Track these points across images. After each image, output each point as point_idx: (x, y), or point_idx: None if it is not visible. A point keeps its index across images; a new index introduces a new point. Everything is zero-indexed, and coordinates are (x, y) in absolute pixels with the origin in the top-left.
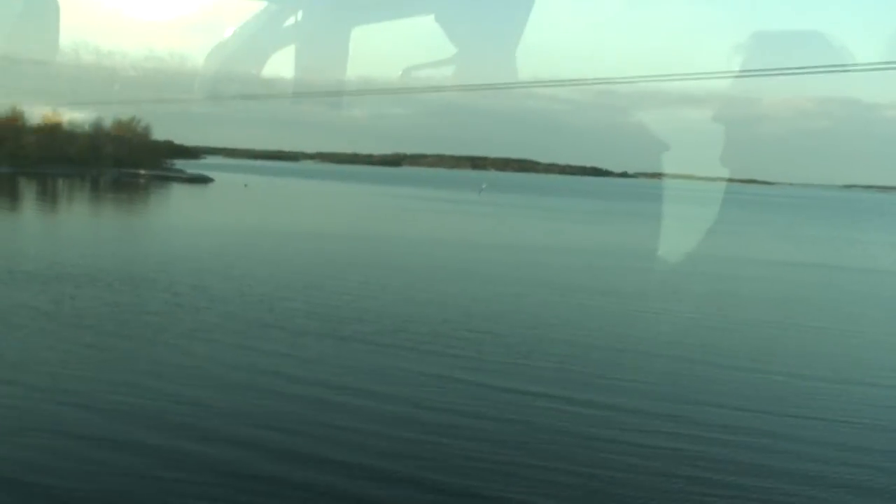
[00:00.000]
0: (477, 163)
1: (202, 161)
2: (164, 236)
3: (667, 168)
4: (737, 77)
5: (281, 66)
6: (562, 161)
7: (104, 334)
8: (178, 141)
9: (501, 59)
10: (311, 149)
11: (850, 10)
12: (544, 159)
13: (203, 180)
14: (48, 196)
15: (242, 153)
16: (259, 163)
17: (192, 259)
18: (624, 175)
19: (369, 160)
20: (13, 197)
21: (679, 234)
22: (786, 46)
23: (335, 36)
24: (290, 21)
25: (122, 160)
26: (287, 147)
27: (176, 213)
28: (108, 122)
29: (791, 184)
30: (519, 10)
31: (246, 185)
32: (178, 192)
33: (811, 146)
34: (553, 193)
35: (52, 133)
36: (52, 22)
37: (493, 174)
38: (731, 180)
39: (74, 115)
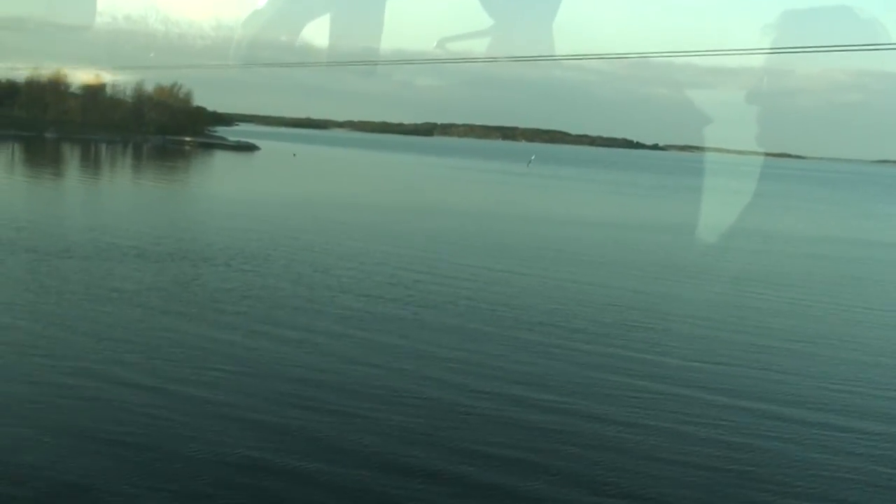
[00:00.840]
0: (507, 133)
1: (235, 128)
2: (250, 209)
3: (698, 141)
4: (769, 54)
5: (314, 34)
6: (592, 132)
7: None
8: (210, 107)
9: (537, 31)
10: (339, 117)
11: None
12: (574, 130)
13: (249, 148)
14: (106, 164)
15: (273, 120)
16: (291, 130)
17: (300, 233)
18: (655, 147)
19: (400, 129)
20: (74, 165)
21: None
22: (815, 22)
23: (371, 4)
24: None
25: (164, 126)
26: (316, 115)
27: (243, 182)
28: (149, 88)
29: (823, 158)
30: None
31: (294, 155)
32: (231, 160)
33: (844, 119)
34: (600, 166)
35: (95, 98)
36: None
37: (525, 145)
38: (763, 154)
39: (113, 79)
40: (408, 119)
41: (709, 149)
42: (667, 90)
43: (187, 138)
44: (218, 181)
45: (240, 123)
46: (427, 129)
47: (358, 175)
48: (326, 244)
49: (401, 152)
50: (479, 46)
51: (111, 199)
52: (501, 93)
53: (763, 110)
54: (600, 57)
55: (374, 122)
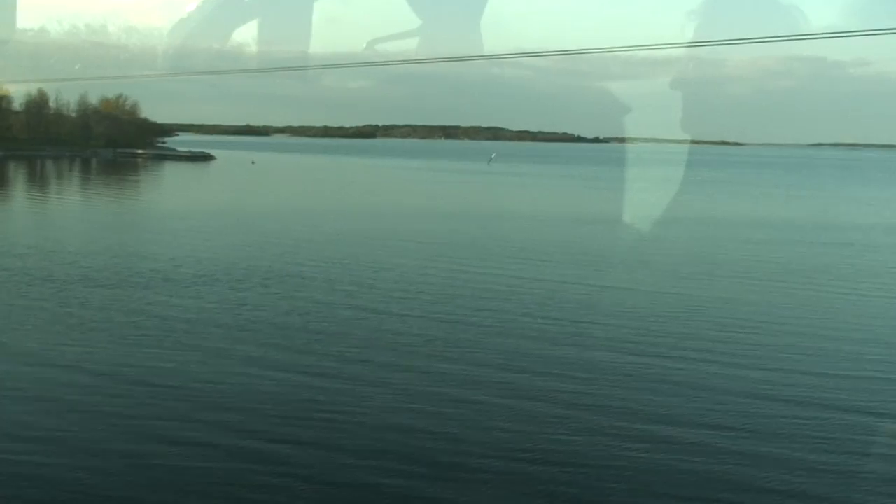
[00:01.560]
0: (449, 132)
1: (176, 138)
2: (244, 221)
3: (636, 132)
4: (690, 47)
5: (244, 40)
6: (533, 128)
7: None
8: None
9: (465, 29)
10: (278, 122)
11: None
12: (514, 126)
13: (205, 158)
14: (64, 180)
15: (213, 129)
16: (233, 138)
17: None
18: (596, 140)
19: (341, 132)
20: (35, 183)
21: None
22: (739, 9)
23: (299, 8)
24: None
25: (113, 139)
26: (255, 121)
27: (217, 193)
28: (93, 100)
29: (760, 144)
30: None
31: (253, 163)
32: (191, 171)
33: (777, 105)
34: (557, 161)
35: (39, 113)
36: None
37: (469, 143)
38: (700, 142)
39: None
40: (348, 122)
41: (647, 139)
42: (603, 83)
43: (139, 151)
44: (190, 193)
45: (179, 133)
46: (369, 132)
47: (328, 180)
48: (356, 257)
49: (355, 156)
50: (410, 46)
51: (91, 217)
52: (439, 92)
53: (697, 99)
54: (528, 55)
55: (315, 127)
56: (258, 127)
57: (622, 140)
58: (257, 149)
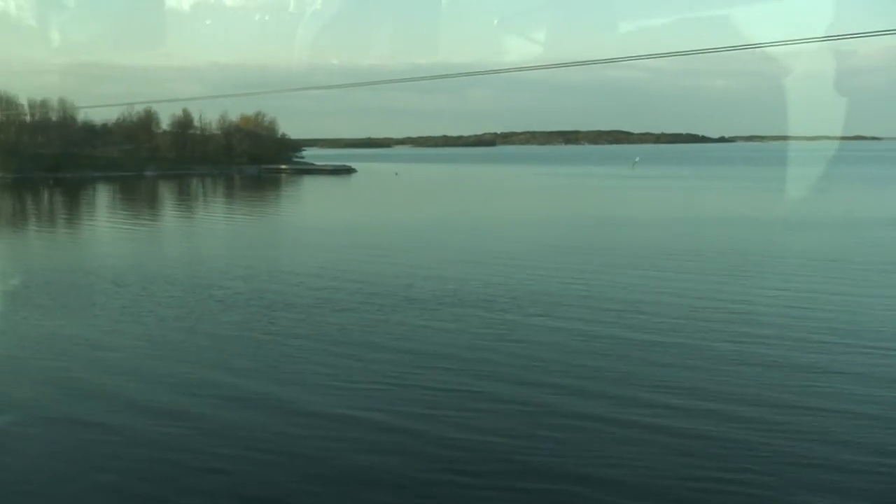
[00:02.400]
0: (569, 137)
1: (305, 152)
2: (424, 235)
3: (764, 130)
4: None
5: (364, 55)
6: (655, 130)
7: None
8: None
9: (590, 35)
10: (397, 134)
11: None
12: (636, 129)
13: (347, 171)
14: (225, 196)
15: (334, 143)
16: (357, 151)
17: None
18: (722, 140)
19: (461, 142)
20: (199, 200)
21: None
22: None
23: (422, 22)
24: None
25: (256, 156)
26: (375, 134)
27: (379, 205)
28: (233, 118)
29: None
30: None
31: (397, 174)
32: (338, 184)
33: None
34: (699, 163)
35: (185, 133)
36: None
37: (590, 147)
38: (834, 138)
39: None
40: (466, 131)
41: (775, 137)
42: (724, 81)
43: (283, 166)
44: (353, 205)
45: (306, 148)
46: (489, 140)
47: (481, 189)
48: (554, 269)
49: (490, 164)
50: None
51: (279, 232)
52: (555, 97)
53: (828, 93)
54: (653, 56)
55: (434, 137)
56: (379, 139)
57: (750, 139)
58: (387, 159)
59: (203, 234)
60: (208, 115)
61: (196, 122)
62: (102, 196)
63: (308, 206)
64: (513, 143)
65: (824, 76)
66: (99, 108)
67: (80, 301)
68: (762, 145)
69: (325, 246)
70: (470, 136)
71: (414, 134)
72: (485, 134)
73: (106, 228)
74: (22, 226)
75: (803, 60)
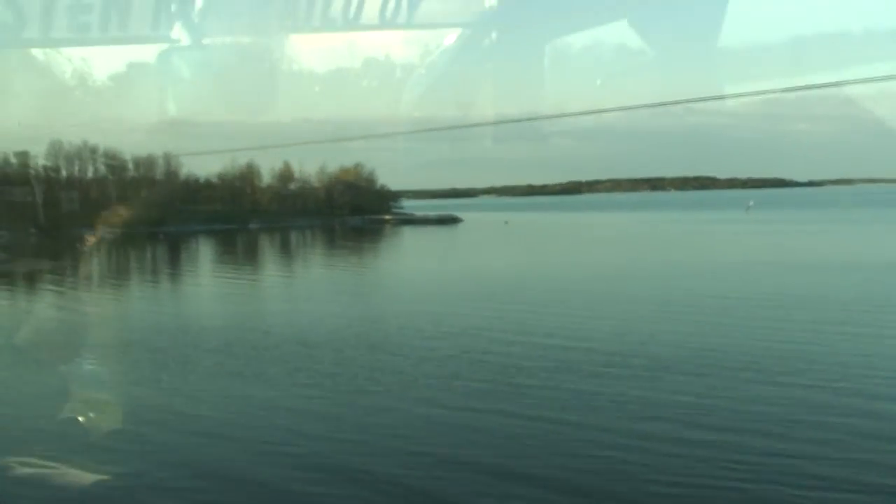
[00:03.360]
0: (655, 184)
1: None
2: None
3: (850, 174)
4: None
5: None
6: (742, 175)
7: None
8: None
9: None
10: (479, 184)
11: None
12: (722, 175)
13: (453, 220)
14: (335, 248)
15: (418, 194)
16: (447, 201)
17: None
18: (811, 184)
19: (545, 190)
20: (310, 252)
21: None
22: None
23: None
24: (486, 42)
25: (357, 207)
26: (458, 185)
27: (504, 255)
28: (330, 169)
29: None
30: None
31: (507, 223)
32: (449, 234)
33: None
34: (806, 207)
35: (286, 186)
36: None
37: (676, 194)
38: None
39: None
40: (550, 180)
41: (866, 180)
42: (807, 125)
43: (387, 216)
44: (475, 255)
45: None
46: (574, 188)
47: (598, 238)
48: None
49: (590, 211)
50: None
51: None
52: (637, 144)
53: None
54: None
55: (519, 186)
56: (462, 189)
57: (838, 182)
58: (474, 209)
59: (353, 288)
60: (308, 168)
61: (297, 175)
62: (212, 249)
63: (442, 255)
64: (597, 191)
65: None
66: (202, 164)
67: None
68: (852, 188)
69: (498, 297)
70: (554, 185)
71: (497, 183)
72: (569, 182)
73: (250, 282)
74: (150, 280)
75: (881, 101)
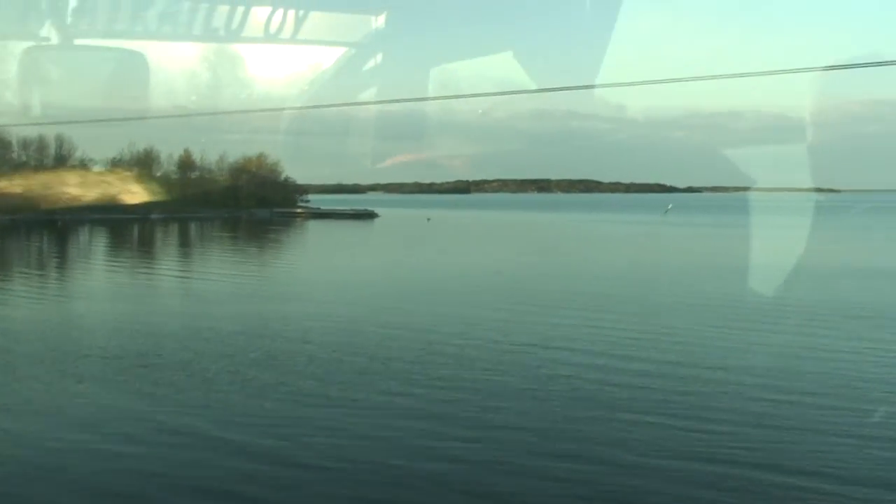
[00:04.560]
0: (542, 185)
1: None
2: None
3: (723, 181)
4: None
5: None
6: (625, 179)
7: None
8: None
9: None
10: (365, 181)
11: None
12: (606, 179)
13: (369, 216)
14: (263, 240)
15: (315, 188)
16: (331, 196)
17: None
18: (690, 190)
19: (435, 188)
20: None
21: None
22: None
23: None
24: (371, 64)
25: (264, 199)
26: (345, 180)
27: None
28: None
29: (856, 190)
30: (597, 42)
31: (429, 219)
32: (370, 229)
33: (866, 151)
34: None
35: (187, 175)
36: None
37: (562, 196)
38: (795, 189)
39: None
40: (438, 179)
41: (739, 188)
42: (683, 133)
43: (298, 210)
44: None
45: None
46: (464, 187)
47: (524, 238)
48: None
49: (499, 210)
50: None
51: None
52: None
53: (786, 146)
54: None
55: (408, 184)
56: (348, 185)
57: (714, 189)
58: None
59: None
60: (210, 157)
61: (198, 163)
62: (103, 241)
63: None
64: (485, 190)
65: (778, 129)
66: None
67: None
68: (728, 196)
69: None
70: (443, 183)
71: (383, 181)
72: (457, 181)
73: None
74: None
75: (754, 114)
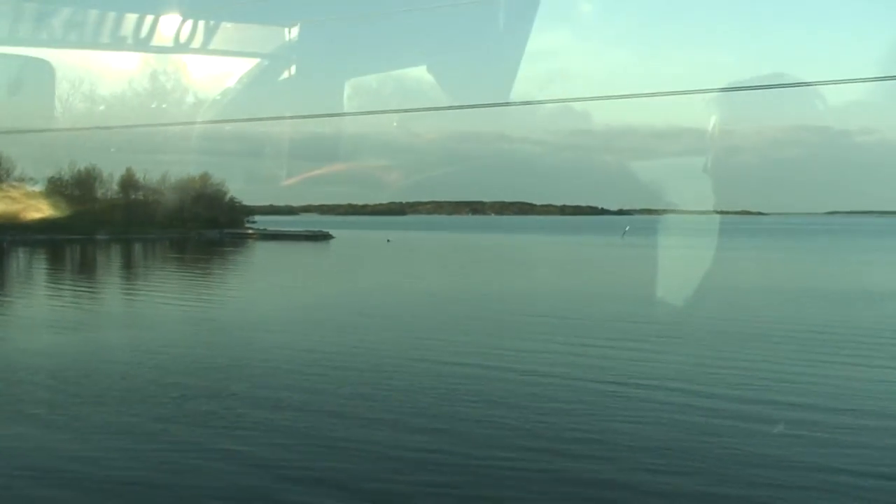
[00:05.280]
0: (475, 207)
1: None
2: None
3: (652, 204)
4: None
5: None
6: (557, 202)
7: None
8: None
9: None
10: (298, 202)
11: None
12: (539, 201)
13: (324, 237)
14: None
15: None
16: (278, 217)
17: None
18: (621, 212)
19: (368, 210)
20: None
21: None
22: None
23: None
24: (285, 75)
25: (209, 220)
26: (276, 202)
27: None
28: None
29: (780, 213)
30: (510, 60)
31: (389, 241)
32: (328, 251)
33: (788, 175)
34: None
35: (130, 195)
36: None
37: (497, 218)
38: (723, 212)
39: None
40: (371, 200)
41: (669, 211)
42: (611, 157)
43: (249, 230)
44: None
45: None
46: (398, 209)
47: (492, 259)
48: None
49: (451, 232)
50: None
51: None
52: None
53: (712, 170)
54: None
55: (341, 205)
56: (281, 207)
57: (644, 212)
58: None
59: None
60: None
61: (142, 183)
62: (39, 263)
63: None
64: (419, 212)
65: (704, 153)
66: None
67: None
68: (658, 218)
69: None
70: (377, 205)
71: (315, 202)
72: (391, 203)
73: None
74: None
75: (683, 138)
